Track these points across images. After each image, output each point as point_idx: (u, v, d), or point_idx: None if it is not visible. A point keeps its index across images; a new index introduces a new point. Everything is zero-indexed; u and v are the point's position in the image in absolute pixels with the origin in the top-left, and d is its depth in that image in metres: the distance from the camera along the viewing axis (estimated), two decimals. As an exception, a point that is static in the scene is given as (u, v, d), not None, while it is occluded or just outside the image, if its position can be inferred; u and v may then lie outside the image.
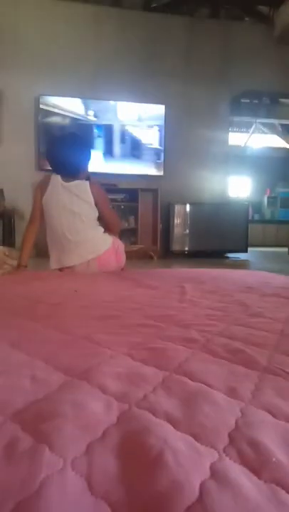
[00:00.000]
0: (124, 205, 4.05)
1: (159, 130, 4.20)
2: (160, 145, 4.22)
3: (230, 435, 0.33)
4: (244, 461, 0.29)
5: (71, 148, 1.66)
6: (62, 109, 4.05)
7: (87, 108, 4.11)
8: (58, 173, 1.65)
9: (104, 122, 4.13)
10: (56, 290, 1.08)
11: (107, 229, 1.76)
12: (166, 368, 0.47)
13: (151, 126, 4.21)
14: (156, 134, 4.21)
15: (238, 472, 0.28)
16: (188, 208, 4.24)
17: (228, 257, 4.28)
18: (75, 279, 1.36)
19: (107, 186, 1.90)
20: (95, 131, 4.11)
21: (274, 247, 7.35)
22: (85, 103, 4.09)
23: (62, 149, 1.65)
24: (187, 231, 4.24)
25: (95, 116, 4.12)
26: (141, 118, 4.19)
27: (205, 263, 3.31)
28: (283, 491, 0.26)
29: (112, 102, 4.11)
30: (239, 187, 8.67)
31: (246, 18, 5.01)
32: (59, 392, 0.39)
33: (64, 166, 1.64)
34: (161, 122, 4.19)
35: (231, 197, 6.03)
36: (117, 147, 4.15)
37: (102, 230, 1.72)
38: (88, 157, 1.72)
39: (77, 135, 1.81)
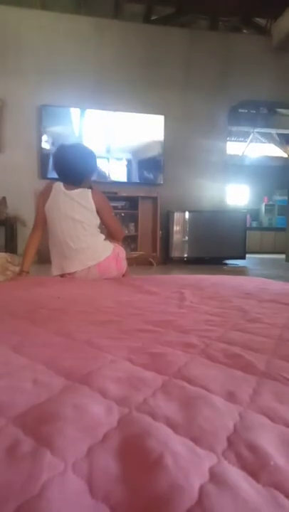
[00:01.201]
0: (124, 213, 4.07)
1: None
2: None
3: (229, 439, 0.33)
4: (243, 465, 0.29)
5: (77, 157, 1.69)
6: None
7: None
8: (62, 180, 1.68)
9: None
10: (57, 296, 1.09)
11: (110, 236, 1.78)
12: (166, 373, 0.47)
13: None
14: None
15: (236, 475, 0.28)
16: (187, 215, 4.26)
17: (226, 264, 4.29)
18: (75, 285, 1.36)
19: (107, 194, 1.92)
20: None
21: (271, 253, 7.39)
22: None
23: (68, 158, 1.68)
24: (186, 238, 4.25)
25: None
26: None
27: (204, 269, 3.31)
28: (282, 495, 0.26)
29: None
30: (237, 195, 8.73)
31: (244, 30, 5.11)
32: (60, 396, 0.40)
33: (69, 174, 1.67)
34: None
35: (229, 205, 6.07)
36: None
37: (103, 237, 1.73)
38: (93, 167, 1.76)
39: (84, 145, 1.86)
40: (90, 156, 1.76)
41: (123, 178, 4.22)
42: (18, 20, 4.02)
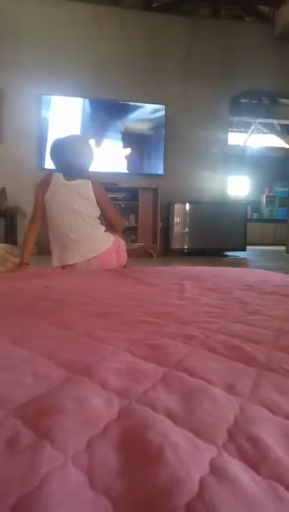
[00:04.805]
0: (124, 204, 4.05)
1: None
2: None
3: (229, 431, 0.33)
4: (243, 457, 0.29)
5: (75, 149, 1.69)
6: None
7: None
8: (61, 172, 1.67)
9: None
10: (57, 287, 1.09)
11: (110, 228, 1.78)
12: (166, 364, 0.47)
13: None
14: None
15: (237, 468, 0.28)
16: (187, 206, 4.24)
17: (226, 256, 4.29)
18: (76, 276, 1.36)
19: (107, 185, 1.91)
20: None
21: (272, 245, 7.39)
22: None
23: (66, 150, 1.68)
24: (187, 230, 4.24)
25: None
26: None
27: (204, 261, 3.31)
28: (282, 487, 0.26)
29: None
30: (238, 186, 8.67)
31: (246, 18, 5.01)
32: (60, 388, 0.40)
33: (68, 166, 1.67)
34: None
35: (230, 196, 6.04)
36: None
37: (104, 228, 1.73)
38: (91, 158, 1.75)
39: (81, 137, 1.86)
40: (87, 147, 1.75)
41: (123, 169, 4.18)
42: (16, 8, 3.94)
